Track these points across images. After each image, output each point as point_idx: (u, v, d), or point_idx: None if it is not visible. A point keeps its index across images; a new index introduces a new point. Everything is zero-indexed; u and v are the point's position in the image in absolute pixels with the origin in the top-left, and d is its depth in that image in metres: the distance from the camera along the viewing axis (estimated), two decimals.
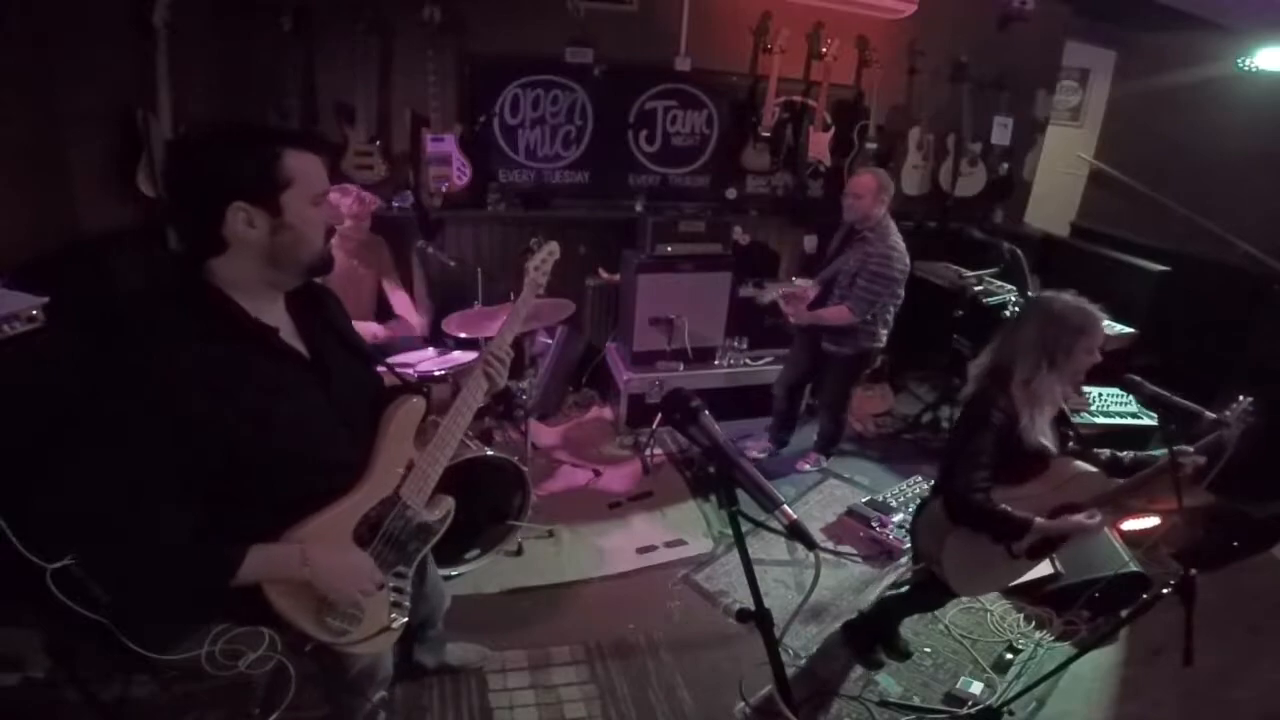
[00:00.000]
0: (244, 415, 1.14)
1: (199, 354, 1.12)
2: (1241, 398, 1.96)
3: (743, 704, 2.30)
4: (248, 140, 1.16)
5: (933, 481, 2.35)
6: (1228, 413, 1.96)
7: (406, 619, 1.47)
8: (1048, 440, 2.01)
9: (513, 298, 3.09)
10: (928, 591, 2.30)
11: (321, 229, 1.24)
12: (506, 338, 1.58)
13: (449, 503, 1.52)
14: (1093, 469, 2.02)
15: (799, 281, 3.55)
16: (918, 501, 2.57)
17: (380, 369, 1.57)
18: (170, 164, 1.16)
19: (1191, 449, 1.95)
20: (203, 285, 1.17)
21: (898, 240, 3.16)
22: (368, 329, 3.29)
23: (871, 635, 2.53)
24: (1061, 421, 2.12)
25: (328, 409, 1.30)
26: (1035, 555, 2.09)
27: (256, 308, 1.21)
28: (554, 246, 1.75)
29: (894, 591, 2.60)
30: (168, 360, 1.10)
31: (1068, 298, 1.99)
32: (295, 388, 1.25)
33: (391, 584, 1.43)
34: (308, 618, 1.29)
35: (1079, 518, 1.97)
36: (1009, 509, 1.92)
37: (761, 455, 3.82)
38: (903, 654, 2.52)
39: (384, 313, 3.47)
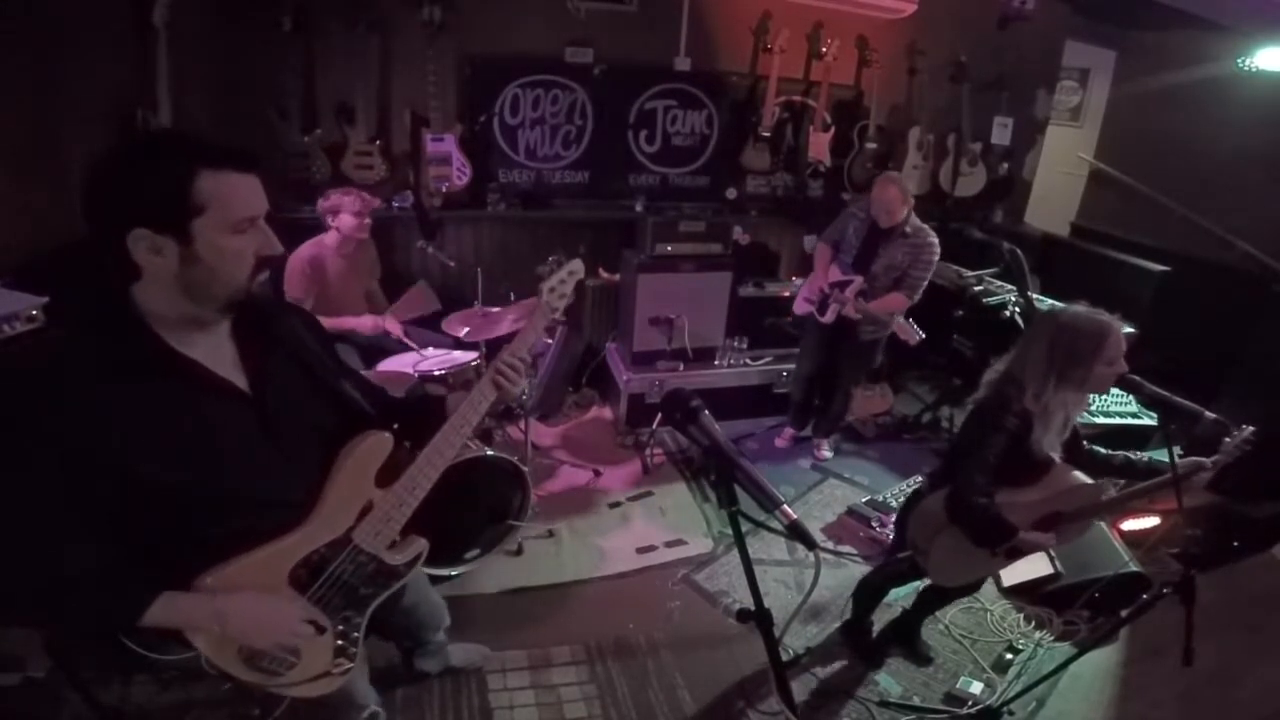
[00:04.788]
0: (154, 452, 1.06)
1: (105, 391, 1.03)
2: (1245, 427, 1.93)
3: (743, 704, 2.31)
4: (156, 157, 1.03)
5: (928, 472, 2.35)
6: (1227, 440, 1.93)
7: (353, 664, 1.37)
8: (1055, 452, 2.00)
9: (513, 297, 3.14)
10: (903, 567, 2.32)
11: (245, 261, 1.10)
12: (521, 347, 1.43)
13: (420, 545, 1.42)
14: (1089, 481, 2.01)
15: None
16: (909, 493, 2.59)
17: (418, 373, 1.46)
18: (85, 180, 1.03)
19: (1209, 462, 1.93)
20: (122, 314, 1.08)
21: (931, 230, 3.33)
22: (385, 323, 3.32)
23: (865, 630, 2.54)
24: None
25: (263, 446, 1.20)
26: (1011, 556, 2.10)
27: (181, 338, 1.10)
28: (576, 266, 1.51)
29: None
30: (65, 400, 1.01)
31: (1079, 309, 1.94)
32: (221, 423, 1.14)
33: (339, 628, 1.33)
34: (231, 660, 1.21)
35: (1044, 535, 1.99)
36: (1002, 516, 1.92)
37: (788, 444, 3.92)
38: (923, 658, 2.52)
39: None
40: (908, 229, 3.27)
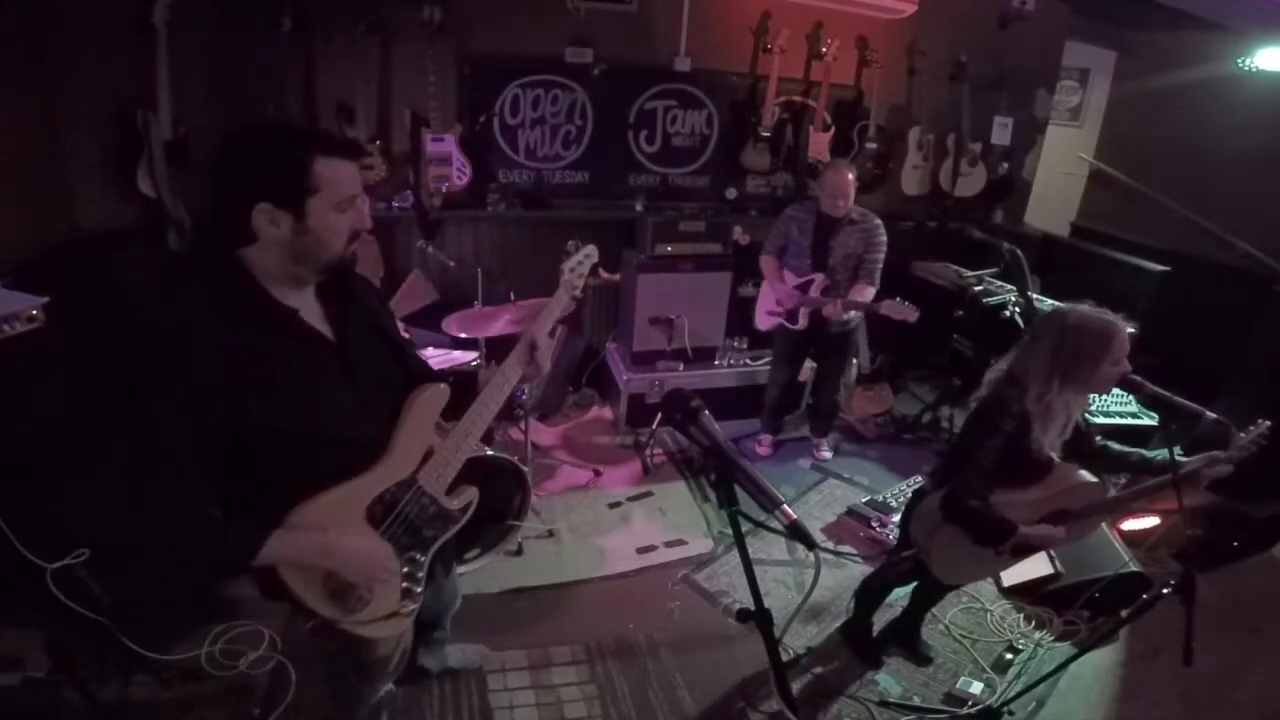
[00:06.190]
0: (263, 389, 1.20)
1: (223, 332, 1.18)
2: (1261, 421, 1.91)
3: (743, 704, 2.31)
4: (281, 145, 1.21)
5: (929, 470, 2.35)
6: (1243, 435, 1.91)
7: (417, 606, 1.48)
8: (1055, 452, 1.99)
9: (513, 297, 3.14)
10: (908, 565, 2.31)
11: (344, 233, 1.27)
12: (544, 326, 1.61)
13: (472, 493, 1.55)
14: (1093, 478, 2.00)
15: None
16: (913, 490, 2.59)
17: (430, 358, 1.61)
18: (215, 161, 1.22)
19: (1224, 455, 1.91)
20: (234, 270, 1.23)
21: (874, 214, 3.41)
22: None
23: (865, 630, 2.54)
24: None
25: (348, 390, 1.34)
26: (1017, 554, 2.10)
27: (282, 293, 1.26)
28: (592, 250, 1.74)
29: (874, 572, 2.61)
30: (193, 337, 1.16)
31: (1086, 310, 1.92)
32: (316, 367, 1.30)
33: (405, 570, 1.44)
34: (316, 595, 1.33)
35: (1052, 529, 1.98)
36: (999, 515, 1.92)
37: (770, 451, 3.90)
38: (923, 658, 2.52)
39: None
40: (854, 215, 3.33)
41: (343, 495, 1.32)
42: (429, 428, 1.45)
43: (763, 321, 3.70)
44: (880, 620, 2.57)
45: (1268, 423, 1.90)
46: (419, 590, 1.47)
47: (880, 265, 3.37)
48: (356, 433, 1.35)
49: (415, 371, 1.54)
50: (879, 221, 3.35)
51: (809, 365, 3.86)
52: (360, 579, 1.34)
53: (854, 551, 3.10)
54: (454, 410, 1.51)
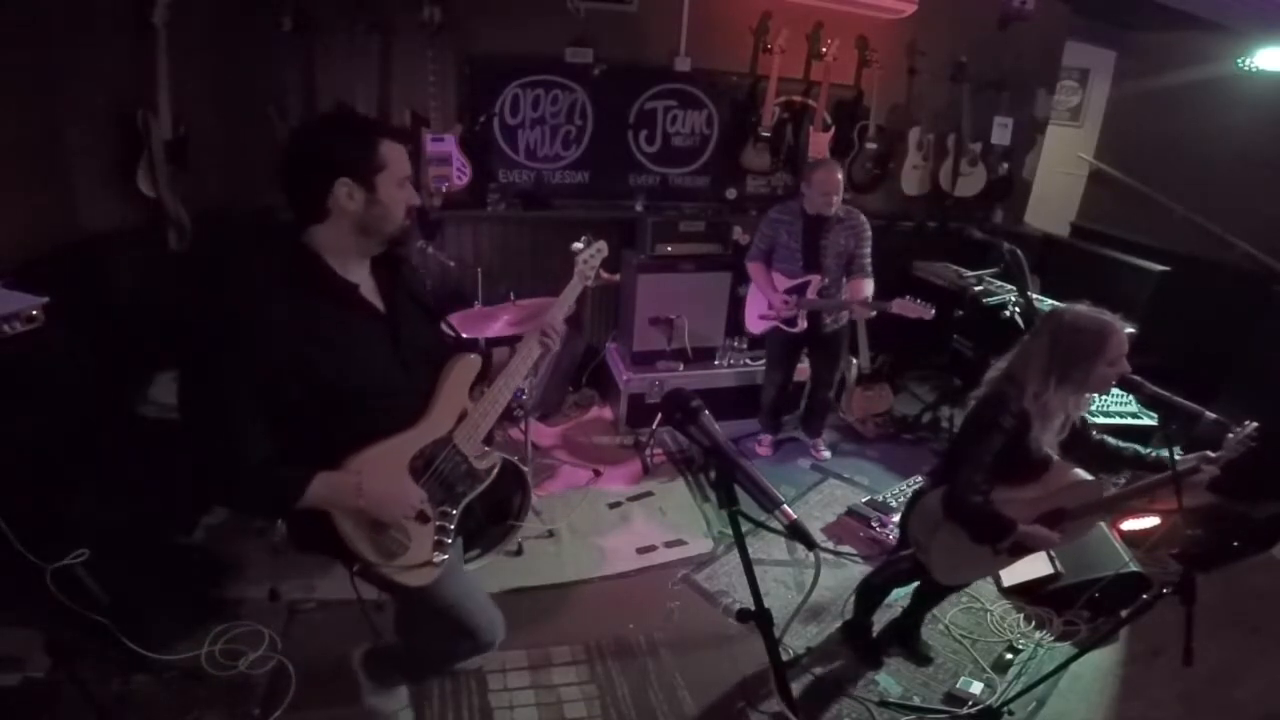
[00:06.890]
0: (321, 354, 1.35)
1: (289, 301, 1.33)
2: (1248, 422, 1.92)
3: (743, 704, 2.31)
4: (355, 130, 1.42)
5: (928, 470, 2.35)
6: (1230, 435, 1.92)
7: (447, 557, 1.60)
8: (1053, 450, 2.00)
9: (513, 297, 3.14)
10: (907, 565, 2.31)
11: (404, 206, 1.45)
12: (559, 314, 1.79)
13: (497, 456, 1.69)
14: (1089, 477, 2.01)
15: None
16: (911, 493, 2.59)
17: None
18: (293, 145, 1.40)
19: (1213, 456, 1.92)
20: (300, 247, 1.40)
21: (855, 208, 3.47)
22: None
23: (865, 630, 2.54)
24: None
25: (394, 356, 1.50)
26: (1015, 554, 2.10)
27: (343, 268, 1.43)
28: (603, 245, 1.95)
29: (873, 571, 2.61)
30: (261, 304, 1.32)
31: (1081, 309, 1.94)
32: (367, 336, 1.46)
33: (437, 522, 1.58)
34: (363, 539, 1.47)
35: (1048, 533, 1.99)
36: (999, 512, 1.92)
37: (770, 451, 3.91)
38: (923, 658, 2.52)
39: None
40: (840, 213, 3.34)
41: (389, 448, 1.47)
42: (463, 393, 1.62)
43: (754, 325, 3.69)
44: (880, 620, 2.57)
45: (1254, 424, 1.91)
46: (449, 542, 1.60)
47: (870, 258, 3.39)
48: (400, 395, 1.51)
49: (448, 341, 1.71)
50: (863, 216, 3.39)
51: (806, 364, 3.86)
52: (390, 519, 1.48)
53: (854, 551, 3.10)
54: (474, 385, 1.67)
